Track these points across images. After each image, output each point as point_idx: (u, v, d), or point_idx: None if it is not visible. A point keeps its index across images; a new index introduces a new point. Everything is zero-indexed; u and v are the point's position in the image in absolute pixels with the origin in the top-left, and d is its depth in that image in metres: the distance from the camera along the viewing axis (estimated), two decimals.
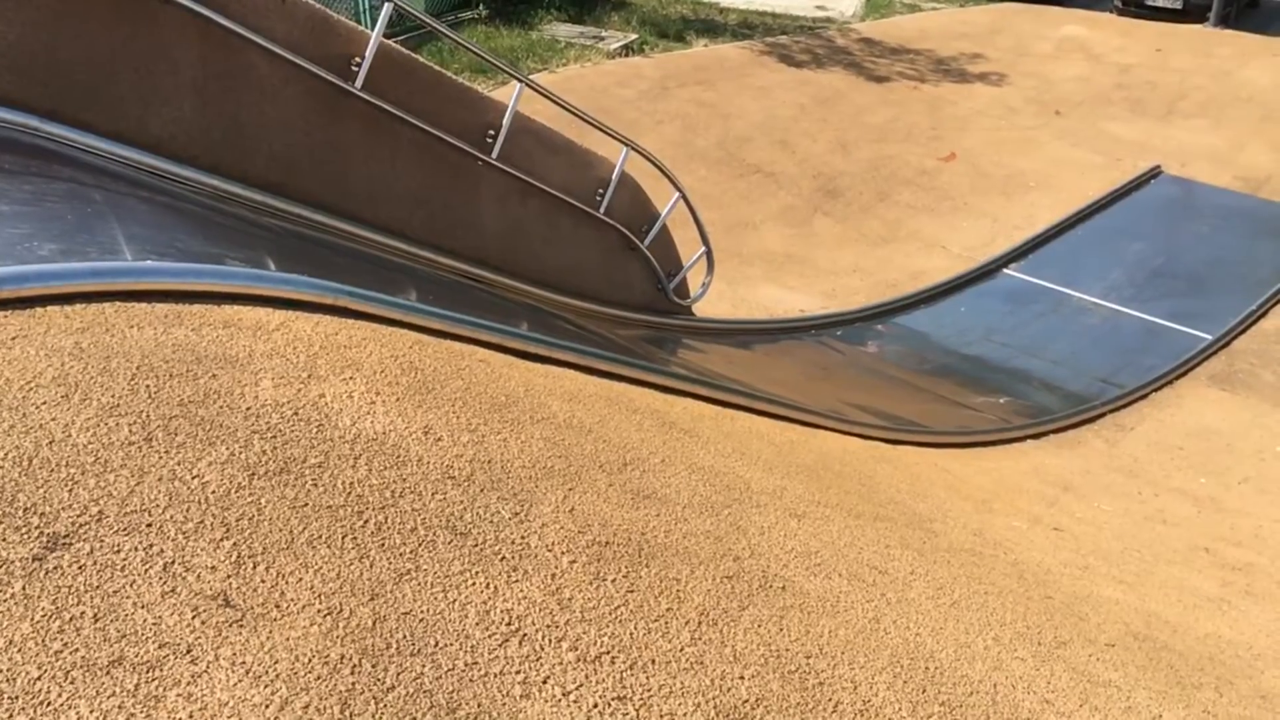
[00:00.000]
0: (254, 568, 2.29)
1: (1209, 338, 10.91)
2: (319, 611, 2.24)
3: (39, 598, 2.03)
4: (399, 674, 2.18)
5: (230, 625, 2.11)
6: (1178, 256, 12.83)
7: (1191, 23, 20.33)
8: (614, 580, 2.88)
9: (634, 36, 16.79)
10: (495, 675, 2.30)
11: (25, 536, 2.17)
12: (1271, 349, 10.79)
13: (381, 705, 2.10)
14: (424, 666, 2.23)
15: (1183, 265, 12.62)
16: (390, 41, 5.87)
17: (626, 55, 16.15)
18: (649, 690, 2.48)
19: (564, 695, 2.34)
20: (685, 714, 2.49)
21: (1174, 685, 3.98)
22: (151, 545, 2.24)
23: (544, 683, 2.35)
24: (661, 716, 2.44)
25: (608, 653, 2.54)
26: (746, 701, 2.62)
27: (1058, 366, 10.51)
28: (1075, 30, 19.91)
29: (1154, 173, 14.64)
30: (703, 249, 8.79)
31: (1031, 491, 7.24)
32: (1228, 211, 13.88)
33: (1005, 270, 12.33)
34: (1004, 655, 3.55)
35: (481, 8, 16.41)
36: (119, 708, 1.88)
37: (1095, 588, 5.10)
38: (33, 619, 1.98)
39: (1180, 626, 4.93)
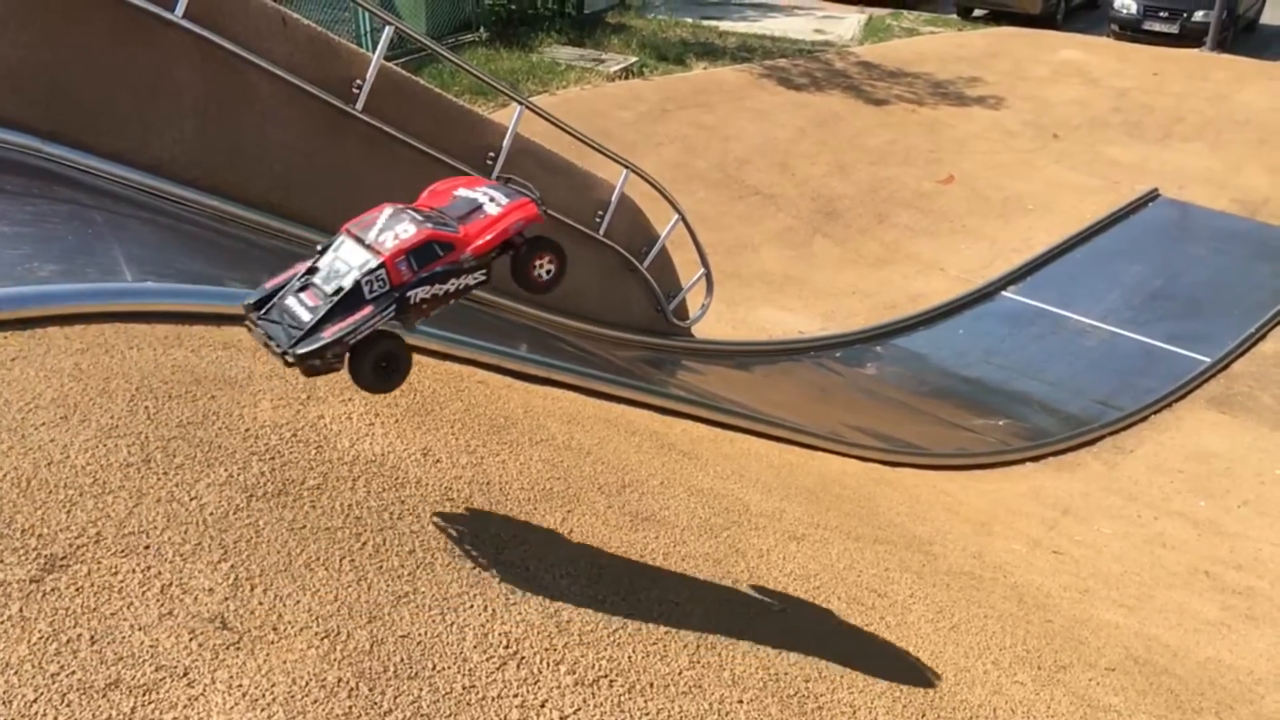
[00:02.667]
0: (251, 590, 2.28)
1: (1207, 360, 10.90)
2: (316, 634, 2.23)
3: (36, 620, 2.03)
4: (396, 697, 2.17)
5: (227, 648, 2.10)
6: (1175, 279, 12.85)
7: (1188, 46, 20.38)
8: (612, 603, 2.87)
9: (634, 59, 16.86)
10: (493, 699, 2.29)
11: (23, 558, 2.16)
12: (1270, 372, 10.79)
13: None
14: (421, 690, 2.22)
15: (1181, 288, 12.63)
16: (391, 64, 5.90)
17: (626, 78, 16.22)
18: (647, 714, 2.47)
19: (562, 719, 2.33)
20: None
21: (1174, 710, 3.96)
22: (149, 567, 2.23)
23: (542, 706, 2.34)
24: None
25: (606, 676, 2.53)
26: None
27: (1056, 389, 10.50)
28: (1072, 54, 20.00)
29: (1151, 196, 14.67)
30: (702, 270, 8.80)
31: (1031, 514, 7.22)
32: (1225, 234, 13.90)
33: (1003, 292, 12.34)
34: (1003, 680, 3.54)
35: (482, 30, 16.48)
36: None
37: (1095, 611, 5.08)
38: (30, 641, 1.97)
39: (1180, 651, 4.91)
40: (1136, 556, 6.80)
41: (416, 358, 4.01)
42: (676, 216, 8.27)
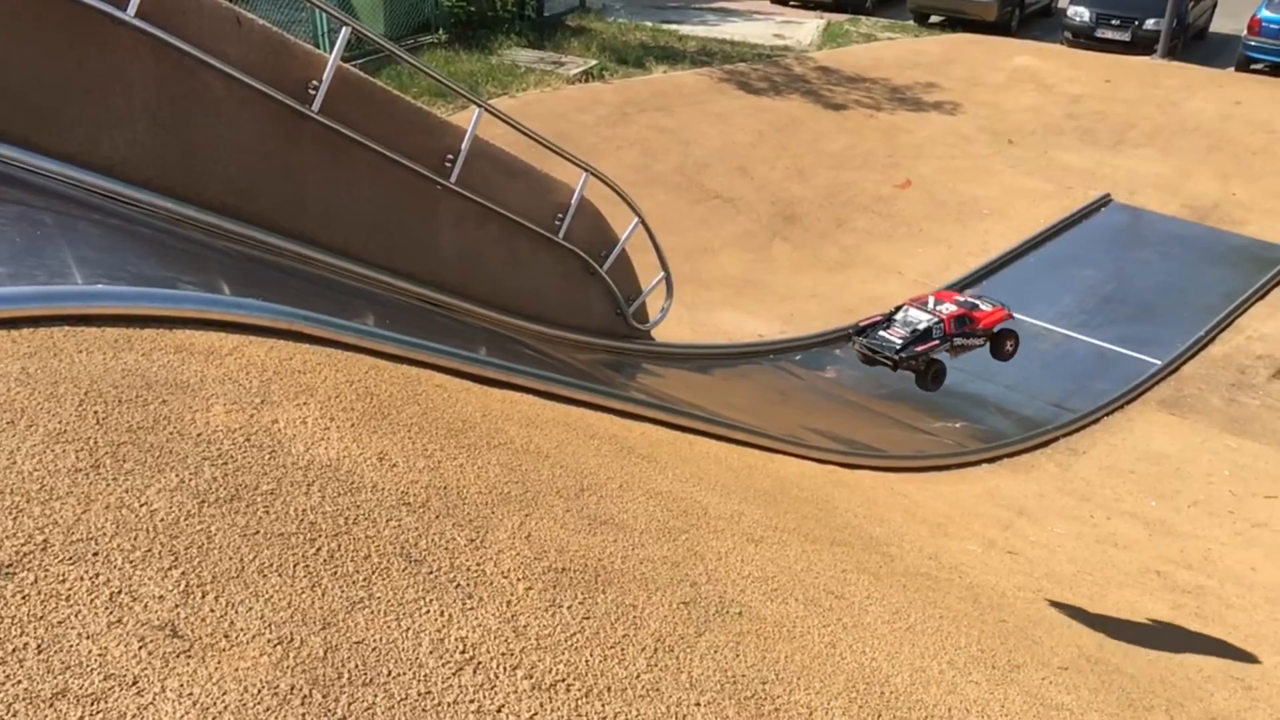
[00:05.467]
0: (203, 597, 2.25)
1: (1158, 363, 11.09)
2: (269, 641, 2.21)
3: None
4: (350, 704, 2.15)
5: (178, 656, 2.08)
6: (1127, 283, 13.05)
7: (1139, 54, 20.71)
8: (570, 607, 2.87)
9: (594, 62, 16.87)
10: (449, 705, 2.28)
11: None
12: (1219, 374, 10.99)
13: None
14: (376, 697, 2.20)
15: (1132, 291, 12.83)
16: (348, 65, 5.86)
17: (586, 81, 16.23)
18: (604, 718, 2.47)
19: None
20: None
21: (1125, 708, 4.02)
22: (98, 574, 2.20)
23: (498, 712, 2.33)
24: None
25: (563, 680, 2.53)
26: None
27: (1012, 391, 10.62)
28: (1027, 61, 20.27)
29: (1104, 201, 14.89)
30: (662, 274, 8.82)
31: (986, 515, 7.30)
32: (1175, 239, 14.14)
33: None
34: (959, 679, 3.57)
35: (441, 32, 16.41)
36: None
37: (1049, 611, 5.15)
38: None
39: (1132, 649, 4.99)
40: (1089, 556, 6.89)
41: (374, 361, 3.99)
42: (636, 220, 8.28)
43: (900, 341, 5.34)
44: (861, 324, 5.64)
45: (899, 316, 5.50)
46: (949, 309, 5.42)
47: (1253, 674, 5.29)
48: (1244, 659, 5.52)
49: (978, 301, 5.55)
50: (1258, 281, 12.85)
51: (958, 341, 5.48)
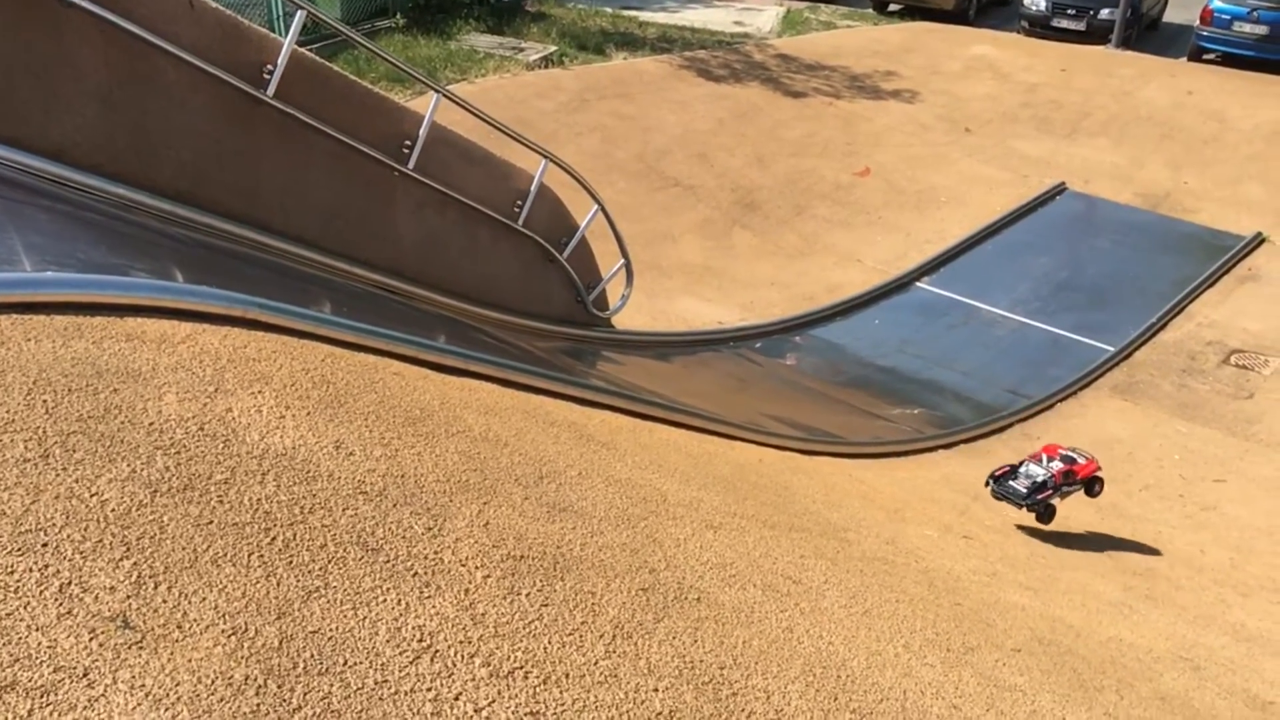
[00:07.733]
0: (155, 587, 2.23)
1: (1111, 349, 11.27)
2: (223, 631, 2.19)
3: None
4: (306, 694, 2.14)
5: (129, 647, 2.05)
6: (1081, 270, 13.23)
7: (1094, 44, 20.96)
8: (528, 594, 2.87)
9: (553, 48, 16.78)
10: (406, 693, 2.27)
11: None
12: (1170, 360, 11.18)
13: None
14: (332, 686, 2.19)
15: (1086, 279, 13.01)
16: (303, 49, 5.79)
17: (546, 67, 16.14)
18: (562, 705, 2.48)
19: (476, 712, 2.32)
20: None
21: (1077, 689, 4.09)
22: (47, 565, 2.17)
23: (456, 699, 2.33)
24: None
25: (521, 668, 2.53)
26: (660, 714, 2.62)
27: (968, 378, 10.75)
28: (984, 50, 20.43)
29: (1059, 189, 15.07)
30: (622, 261, 8.82)
31: (943, 500, 7.39)
32: (1129, 227, 14.35)
33: (918, 284, 12.59)
34: (914, 662, 3.62)
35: (399, 17, 16.24)
36: None
37: (1003, 594, 5.22)
38: None
39: (1084, 631, 5.07)
40: (1042, 540, 7.00)
41: (330, 349, 3.95)
42: (596, 207, 8.27)
43: (1025, 490, 6.84)
44: (996, 473, 7.08)
45: (1022, 470, 6.98)
46: (1058, 465, 6.96)
47: (1201, 654, 5.41)
48: (1193, 640, 5.64)
49: (1075, 455, 7.13)
50: (1208, 269, 13.08)
51: (1065, 490, 6.97)
